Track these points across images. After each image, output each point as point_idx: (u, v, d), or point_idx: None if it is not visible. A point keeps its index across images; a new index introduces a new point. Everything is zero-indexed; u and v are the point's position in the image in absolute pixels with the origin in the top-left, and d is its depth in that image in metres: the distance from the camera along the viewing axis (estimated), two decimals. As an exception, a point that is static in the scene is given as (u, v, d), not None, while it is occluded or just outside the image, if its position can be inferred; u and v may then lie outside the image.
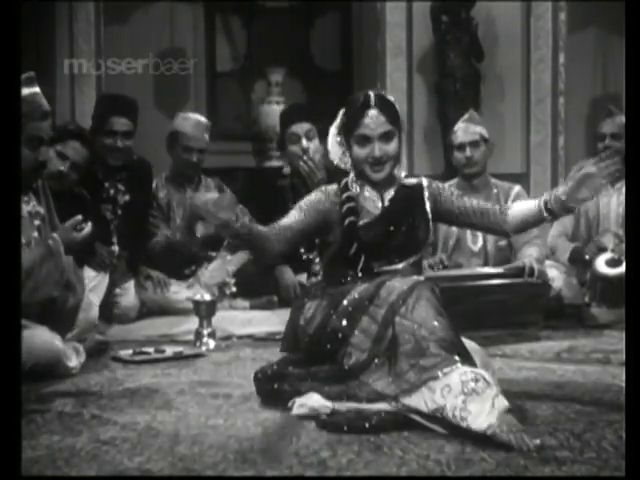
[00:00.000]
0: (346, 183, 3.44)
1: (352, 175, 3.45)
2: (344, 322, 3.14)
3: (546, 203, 3.29)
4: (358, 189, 3.42)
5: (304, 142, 5.34)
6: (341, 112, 3.46)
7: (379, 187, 3.43)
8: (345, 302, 3.18)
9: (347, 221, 3.34)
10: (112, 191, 5.28)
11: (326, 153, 3.55)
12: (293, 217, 3.35)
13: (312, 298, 3.35)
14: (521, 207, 3.44)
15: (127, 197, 5.31)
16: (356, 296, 3.18)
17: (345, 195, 3.39)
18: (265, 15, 8.98)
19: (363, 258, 3.33)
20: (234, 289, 5.33)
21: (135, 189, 5.35)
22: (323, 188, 3.47)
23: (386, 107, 3.36)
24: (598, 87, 8.42)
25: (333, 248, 3.40)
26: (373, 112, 3.32)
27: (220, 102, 8.99)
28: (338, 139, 3.44)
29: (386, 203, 3.41)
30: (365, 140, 3.34)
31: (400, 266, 3.36)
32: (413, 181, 3.49)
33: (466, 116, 5.39)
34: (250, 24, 9.01)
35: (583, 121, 8.05)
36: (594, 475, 2.44)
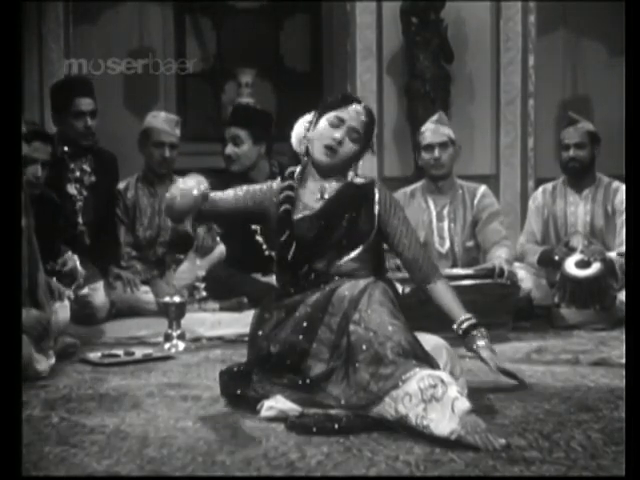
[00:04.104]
0: (292, 172, 3.41)
1: (299, 167, 3.41)
2: (300, 337, 3.13)
3: (464, 333, 3.32)
4: (299, 180, 3.39)
5: (229, 148, 5.49)
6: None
7: (323, 178, 3.38)
8: (298, 315, 3.17)
9: (282, 208, 3.31)
10: (78, 172, 5.38)
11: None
12: (227, 193, 3.37)
13: (268, 311, 3.29)
14: (444, 300, 3.38)
15: (93, 178, 5.42)
16: (308, 309, 3.16)
17: (286, 183, 3.36)
18: (235, 16, 8.96)
19: (303, 255, 3.26)
20: (204, 294, 5.33)
21: (100, 173, 5.45)
22: (269, 182, 3.45)
23: (366, 114, 3.38)
24: (567, 89, 8.48)
25: (276, 248, 3.34)
26: (357, 107, 3.36)
27: (190, 103, 8.97)
28: (309, 119, 3.40)
29: (325, 197, 3.35)
30: (338, 122, 3.31)
31: (342, 261, 3.30)
32: (362, 180, 3.43)
33: (435, 117, 5.38)
34: (220, 25, 8.99)
35: (552, 123, 8.09)
36: (562, 475, 2.45)
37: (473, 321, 3.34)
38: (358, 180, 3.43)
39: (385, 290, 3.10)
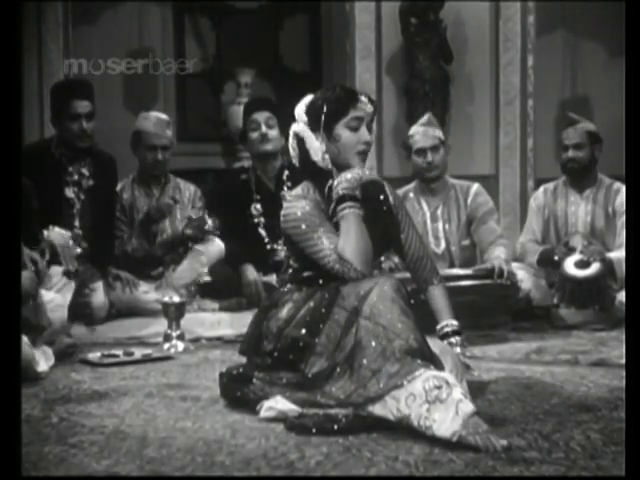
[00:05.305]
0: (330, 187, 3.31)
1: (337, 177, 3.29)
2: (303, 331, 3.12)
3: (442, 336, 3.38)
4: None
5: (263, 128, 5.43)
6: (302, 113, 3.37)
7: None
8: (303, 311, 3.17)
9: None
10: (76, 176, 5.33)
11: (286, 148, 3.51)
12: (332, 234, 3.25)
13: (277, 305, 3.28)
14: (439, 302, 3.45)
15: (91, 182, 5.36)
16: (312, 304, 3.16)
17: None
18: (234, 16, 8.97)
19: None
20: (207, 278, 5.34)
21: (99, 176, 5.39)
22: (302, 199, 3.31)
23: (371, 102, 3.33)
24: (567, 89, 8.49)
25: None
26: (363, 99, 3.30)
27: (189, 103, 8.98)
28: (318, 136, 3.28)
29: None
30: (358, 123, 3.26)
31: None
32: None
33: (424, 120, 5.36)
34: (219, 25, 9.00)
35: (552, 123, 8.11)
36: (561, 475, 2.45)
37: (455, 328, 3.41)
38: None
39: (398, 286, 3.06)
